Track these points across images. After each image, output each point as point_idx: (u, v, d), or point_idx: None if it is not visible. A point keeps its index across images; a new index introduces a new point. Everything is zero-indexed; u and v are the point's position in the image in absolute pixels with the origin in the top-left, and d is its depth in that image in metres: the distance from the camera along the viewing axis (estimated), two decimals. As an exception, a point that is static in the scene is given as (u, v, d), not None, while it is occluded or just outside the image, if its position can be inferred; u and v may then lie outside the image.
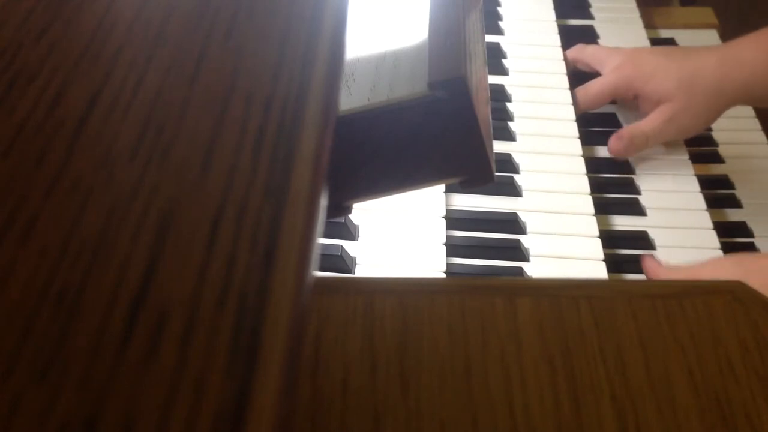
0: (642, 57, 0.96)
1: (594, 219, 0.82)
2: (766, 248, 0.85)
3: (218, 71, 0.33)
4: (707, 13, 1.16)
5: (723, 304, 0.45)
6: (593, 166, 0.91)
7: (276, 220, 0.27)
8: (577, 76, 1.01)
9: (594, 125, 0.97)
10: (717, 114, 0.93)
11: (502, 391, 0.41)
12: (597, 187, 0.88)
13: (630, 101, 0.98)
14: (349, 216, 0.77)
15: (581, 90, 0.98)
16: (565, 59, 1.02)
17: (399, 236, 0.78)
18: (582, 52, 1.03)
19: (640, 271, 0.81)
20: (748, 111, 1.00)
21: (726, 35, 1.13)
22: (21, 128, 0.31)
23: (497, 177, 0.56)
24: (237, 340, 0.24)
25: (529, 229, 0.82)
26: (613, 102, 1.00)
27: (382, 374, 0.42)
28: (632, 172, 0.92)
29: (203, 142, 0.30)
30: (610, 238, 0.83)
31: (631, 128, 0.93)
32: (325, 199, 0.31)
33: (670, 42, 1.11)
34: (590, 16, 1.14)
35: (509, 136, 0.92)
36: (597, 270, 0.77)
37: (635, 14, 1.13)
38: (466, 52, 0.52)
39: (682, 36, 1.13)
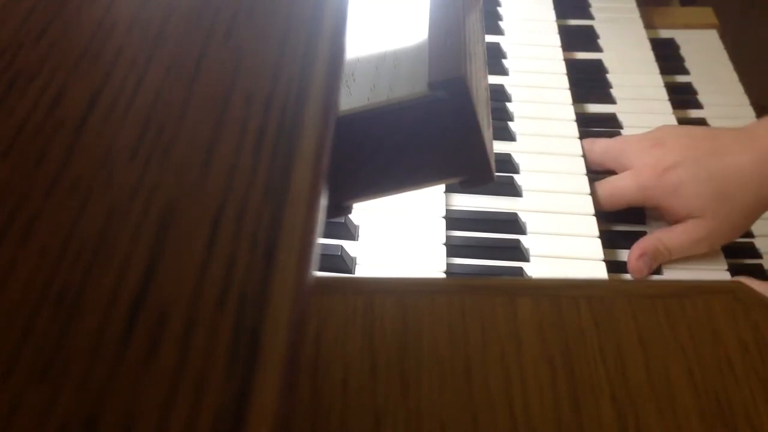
0: (665, 163, 0.80)
1: (594, 219, 0.82)
2: (766, 248, 0.85)
3: (218, 71, 0.33)
4: (707, 13, 1.16)
5: (723, 304, 0.45)
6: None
7: (276, 220, 0.27)
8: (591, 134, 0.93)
9: (594, 125, 0.97)
10: (755, 220, 0.81)
11: (502, 391, 0.41)
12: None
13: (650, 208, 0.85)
14: (349, 216, 0.77)
15: (597, 186, 0.85)
16: (584, 154, 0.89)
17: (399, 236, 0.78)
18: (590, 152, 0.88)
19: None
20: (749, 112, 1.00)
21: (726, 35, 1.13)
22: (21, 128, 0.31)
23: (497, 177, 0.56)
24: (237, 340, 0.24)
25: (529, 229, 0.82)
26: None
27: (382, 374, 0.42)
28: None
29: (203, 142, 0.30)
30: (610, 238, 0.83)
31: (654, 244, 0.80)
32: (325, 199, 0.31)
33: (670, 42, 1.11)
34: (590, 16, 1.14)
35: (509, 136, 0.91)
36: (597, 270, 0.77)
37: (635, 14, 1.13)
38: (466, 52, 0.52)
39: (682, 36, 1.12)
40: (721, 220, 0.79)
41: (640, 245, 0.81)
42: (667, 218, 0.83)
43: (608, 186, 0.84)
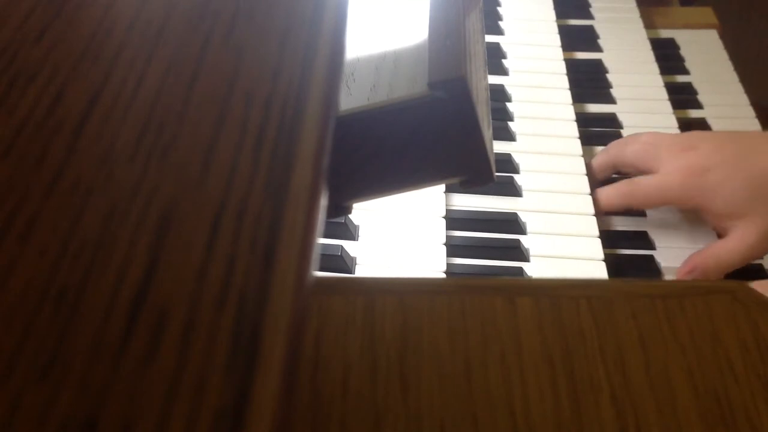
0: (699, 166, 0.79)
1: (594, 219, 0.82)
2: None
3: (218, 71, 0.33)
4: (707, 13, 1.16)
5: (723, 304, 0.45)
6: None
7: (276, 220, 0.27)
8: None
9: (594, 125, 0.97)
10: None
11: (502, 391, 0.41)
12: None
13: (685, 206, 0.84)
14: (349, 216, 0.77)
15: (629, 187, 0.83)
16: (589, 169, 0.88)
17: (399, 236, 0.78)
18: (621, 153, 0.86)
19: (640, 271, 0.81)
20: (749, 112, 1.00)
21: (726, 35, 1.13)
22: (21, 128, 0.31)
23: (497, 177, 0.56)
24: (237, 340, 0.24)
25: (529, 229, 0.82)
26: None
27: (382, 374, 0.42)
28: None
29: (203, 142, 0.30)
30: (610, 238, 0.83)
31: (705, 260, 0.78)
32: (325, 199, 0.31)
33: (670, 42, 1.11)
34: (590, 16, 1.14)
35: (509, 136, 0.91)
36: (597, 270, 0.77)
37: (635, 14, 1.13)
38: (466, 52, 0.52)
39: (682, 36, 1.13)
40: (766, 219, 0.77)
41: (691, 260, 0.80)
42: (709, 221, 0.82)
43: (650, 185, 0.82)
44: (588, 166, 0.88)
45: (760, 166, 0.78)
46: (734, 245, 0.78)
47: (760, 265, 0.83)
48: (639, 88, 1.01)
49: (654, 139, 0.85)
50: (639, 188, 0.83)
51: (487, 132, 0.53)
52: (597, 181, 0.88)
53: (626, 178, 0.86)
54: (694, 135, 0.86)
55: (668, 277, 0.80)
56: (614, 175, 0.89)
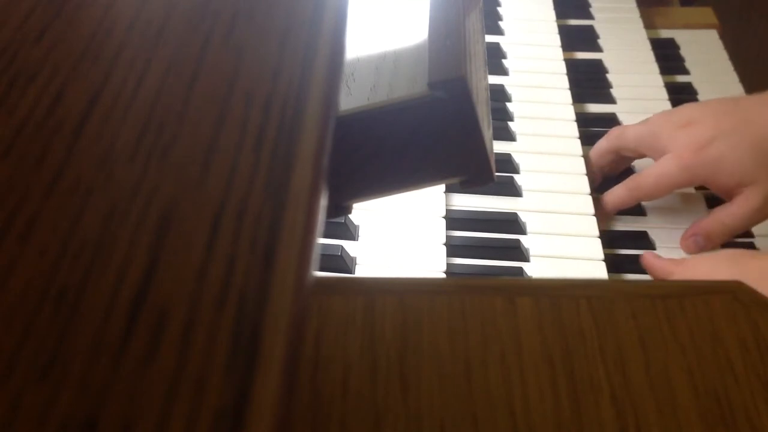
0: (701, 140, 0.80)
1: (594, 219, 0.82)
2: (765, 247, 0.85)
3: (218, 71, 0.33)
4: (707, 13, 1.16)
5: (723, 304, 0.45)
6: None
7: (276, 220, 0.27)
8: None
9: (594, 125, 0.97)
10: None
11: (502, 391, 0.41)
12: (597, 187, 0.88)
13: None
14: (349, 216, 0.77)
15: (634, 180, 0.83)
16: (587, 161, 0.89)
17: (399, 236, 0.78)
18: (623, 136, 0.87)
19: (640, 271, 0.81)
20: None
21: (726, 35, 1.13)
22: (21, 128, 0.31)
23: (497, 177, 0.56)
24: (237, 340, 0.24)
25: (529, 229, 0.82)
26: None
27: (382, 374, 0.42)
28: (632, 172, 0.92)
29: (203, 142, 0.30)
30: (610, 238, 0.83)
31: (709, 224, 0.80)
32: (325, 199, 0.31)
33: (670, 42, 1.11)
34: (590, 16, 1.14)
35: (509, 136, 0.91)
36: (597, 270, 0.77)
37: (635, 14, 1.13)
38: (466, 52, 0.52)
39: (682, 36, 1.12)
40: None
41: (694, 226, 0.81)
42: (719, 193, 0.82)
43: (651, 175, 0.83)
44: (586, 158, 0.89)
45: (761, 132, 0.78)
46: (738, 209, 0.79)
47: (751, 243, 0.83)
48: (639, 88, 1.01)
49: (654, 119, 0.86)
50: (646, 180, 0.83)
51: (487, 132, 0.53)
52: (596, 168, 0.88)
53: (624, 173, 0.86)
54: (691, 108, 0.86)
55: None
56: (613, 174, 0.90)
